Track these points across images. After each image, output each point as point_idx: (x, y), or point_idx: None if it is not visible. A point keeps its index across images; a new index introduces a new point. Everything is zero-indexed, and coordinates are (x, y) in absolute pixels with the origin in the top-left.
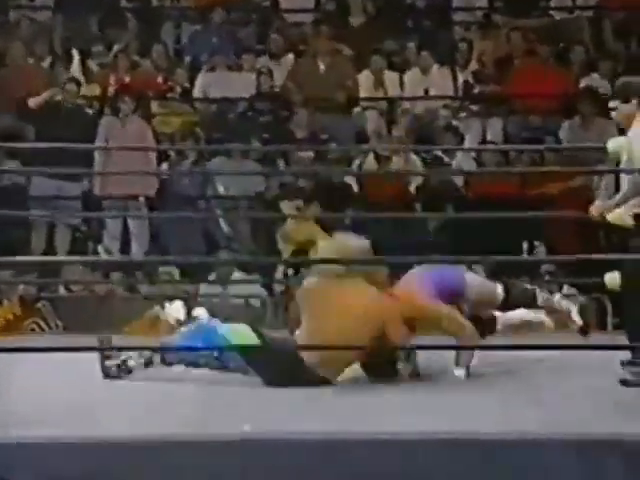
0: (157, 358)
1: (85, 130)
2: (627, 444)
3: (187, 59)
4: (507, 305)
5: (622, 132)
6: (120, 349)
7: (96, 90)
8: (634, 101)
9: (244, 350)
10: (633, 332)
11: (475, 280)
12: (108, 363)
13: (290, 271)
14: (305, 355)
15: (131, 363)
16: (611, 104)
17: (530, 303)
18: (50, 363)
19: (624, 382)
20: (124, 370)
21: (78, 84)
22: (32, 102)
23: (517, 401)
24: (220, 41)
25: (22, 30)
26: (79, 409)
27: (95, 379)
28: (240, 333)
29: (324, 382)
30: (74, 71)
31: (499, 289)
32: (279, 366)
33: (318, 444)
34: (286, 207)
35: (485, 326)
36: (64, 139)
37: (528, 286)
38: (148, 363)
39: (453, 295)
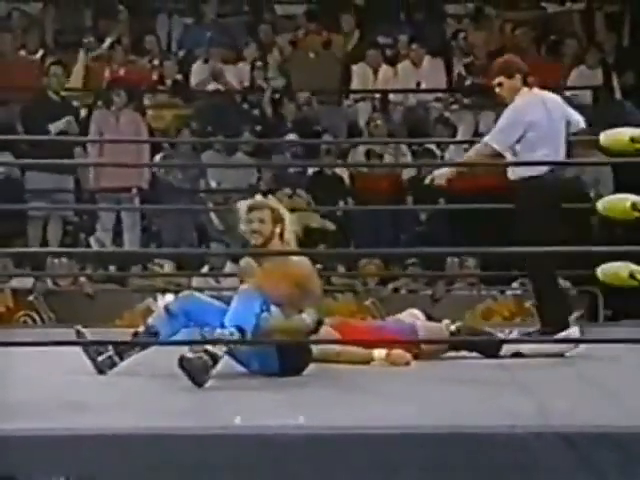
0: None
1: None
2: (616, 436)
3: (180, 52)
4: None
5: None
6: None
7: (91, 84)
8: (518, 76)
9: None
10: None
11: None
12: (100, 358)
13: None
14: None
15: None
16: (496, 80)
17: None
18: (43, 355)
19: None
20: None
21: (65, 74)
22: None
23: (505, 393)
24: (213, 34)
25: (13, 23)
26: (70, 401)
27: (87, 371)
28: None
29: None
30: (77, 72)
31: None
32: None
33: (305, 438)
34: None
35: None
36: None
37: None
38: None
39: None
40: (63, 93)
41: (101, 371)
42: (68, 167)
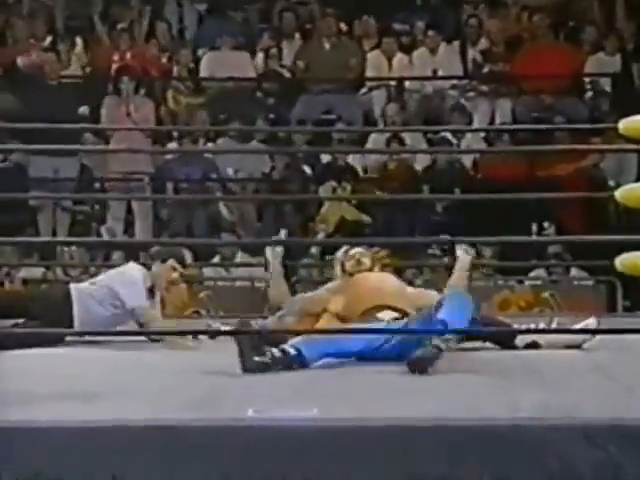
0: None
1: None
2: (634, 428)
3: (192, 40)
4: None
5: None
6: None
7: (97, 71)
8: None
9: None
10: None
11: None
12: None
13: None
14: None
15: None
16: None
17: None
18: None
19: None
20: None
21: (57, 54)
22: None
23: (520, 384)
24: (226, 21)
25: (24, 8)
26: (82, 393)
27: (95, 361)
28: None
29: None
30: (78, 54)
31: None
32: None
33: (319, 429)
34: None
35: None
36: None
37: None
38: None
39: None
40: (65, 80)
41: (248, 370)
42: (77, 154)
